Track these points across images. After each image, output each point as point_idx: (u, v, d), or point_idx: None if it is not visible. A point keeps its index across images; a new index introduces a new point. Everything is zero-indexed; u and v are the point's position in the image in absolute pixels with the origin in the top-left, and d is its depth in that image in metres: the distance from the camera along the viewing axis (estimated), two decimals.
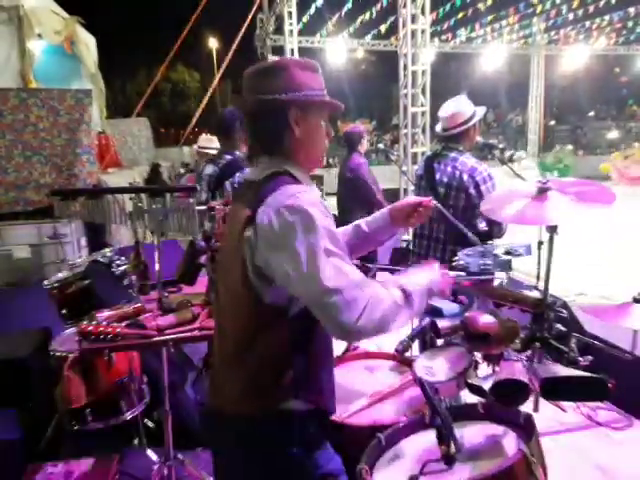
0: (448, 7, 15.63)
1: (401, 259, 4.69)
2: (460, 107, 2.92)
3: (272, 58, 14.16)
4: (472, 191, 2.81)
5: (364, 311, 1.09)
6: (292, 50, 14.17)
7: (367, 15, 15.77)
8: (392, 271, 2.21)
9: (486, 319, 1.40)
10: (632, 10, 16.29)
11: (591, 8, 16.24)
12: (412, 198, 1.63)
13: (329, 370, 1.36)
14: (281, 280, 1.17)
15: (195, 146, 5.06)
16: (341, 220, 4.84)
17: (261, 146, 1.34)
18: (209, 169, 4.23)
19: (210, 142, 4.85)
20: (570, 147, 17.66)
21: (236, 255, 1.24)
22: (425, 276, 1.32)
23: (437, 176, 2.94)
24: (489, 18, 17.66)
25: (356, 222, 1.64)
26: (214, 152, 4.59)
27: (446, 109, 2.95)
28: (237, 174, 3.80)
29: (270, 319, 1.23)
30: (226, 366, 1.33)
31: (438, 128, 3.06)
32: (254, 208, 1.21)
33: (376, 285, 1.18)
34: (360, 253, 1.67)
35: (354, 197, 4.67)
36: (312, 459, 1.27)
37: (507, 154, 2.98)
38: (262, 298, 1.22)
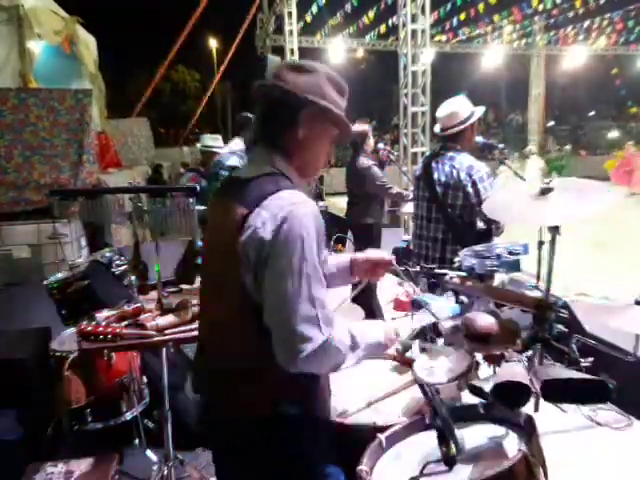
0: (448, 7, 15.65)
1: (401, 259, 4.70)
2: (458, 107, 2.91)
3: (271, 57, 14.15)
4: (469, 190, 2.81)
5: (314, 351, 1.12)
6: (292, 50, 14.18)
7: (367, 15, 15.78)
8: (392, 271, 2.20)
9: (487, 320, 1.39)
10: (632, 10, 16.30)
11: (591, 8, 16.26)
12: (374, 253, 1.64)
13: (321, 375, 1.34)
14: (259, 287, 1.18)
15: (198, 145, 5.09)
16: (353, 221, 4.86)
17: (263, 133, 1.34)
18: (233, 160, 4.15)
19: (215, 141, 4.86)
20: (568, 147, 17.69)
21: (228, 256, 1.21)
22: (379, 330, 1.37)
23: (435, 175, 2.94)
24: (489, 18, 17.68)
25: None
26: (219, 150, 4.62)
27: (444, 109, 2.94)
28: None
29: (260, 320, 1.20)
30: (217, 365, 1.33)
31: (436, 128, 3.06)
32: (250, 207, 1.18)
33: (334, 327, 1.20)
34: None
35: (366, 199, 4.70)
36: (308, 462, 1.27)
37: (499, 154, 2.99)
38: (252, 297, 1.19)
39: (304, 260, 1.14)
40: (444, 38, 19.27)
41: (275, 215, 1.16)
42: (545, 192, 1.46)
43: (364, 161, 4.63)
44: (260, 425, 1.24)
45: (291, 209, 1.16)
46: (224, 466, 1.39)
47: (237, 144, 4.37)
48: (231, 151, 4.31)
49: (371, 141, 4.82)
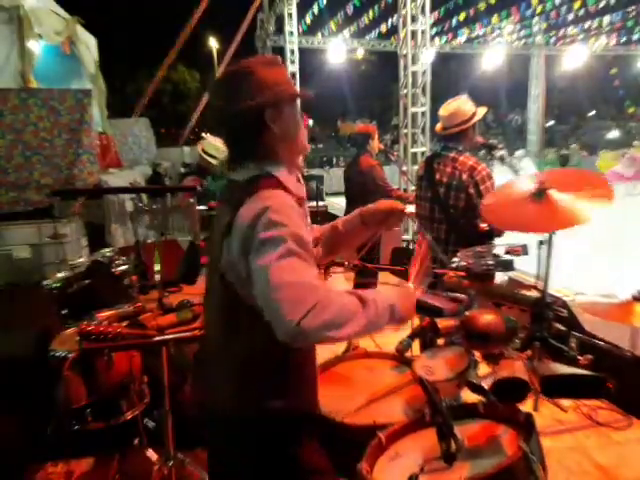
0: (449, 7, 15.67)
1: (401, 259, 4.69)
2: (460, 107, 2.92)
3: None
4: (472, 191, 2.80)
5: (309, 312, 1.03)
6: (292, 50, 14.18)
7: (368, 15, 15.79)
8: (392, 271, 2.22)
9: (486, 318, 1.40)
10: (632, 10, 16.31)
11: (591, 8, 16.27)
12: (384, 203, 1.61)
13: (308, 373, 1.36)
14: (247, 280, 1.17)
15: (199, 148, 5.08)
16: None
17: (243, 153, 1.33)
18: None
19: (216, 150, 4.83)
20: (575, 146, 17.76)
21: (218, 256, 1.25)
22: (392, 293, 1.24)
23: (437, 176, 2.94)
24: (490, 19, 17.69)
25: (334, 222, 1.65)
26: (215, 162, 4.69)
27: (446, 109, 2.95)
28: None
29: (247, 320, 1.23)
30: (210, 364, 1.36)
31: (438, 127, 3.06)
32: (234, 209, 1.21)
33: (331, 290, 1.12)
34: (338, 253, 1.69)
35: (367, 199, 4.65)
36: (295, 457, 1.28)
37: (499, 153, 2.98)
38: (238, 297, 1.23)
39: (283, 253, 1.10)
40: (444, 38, 19.26)
41: (253, 209, 1.17)
42: (541, 193, 1.46)
43: (368, 160, 4.62)
44: (246, 425, 1.26)
45: (267, 202, 1.17)
46: (215, 464, 1.42)
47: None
48: None
49: (376, 142, 4.74)
